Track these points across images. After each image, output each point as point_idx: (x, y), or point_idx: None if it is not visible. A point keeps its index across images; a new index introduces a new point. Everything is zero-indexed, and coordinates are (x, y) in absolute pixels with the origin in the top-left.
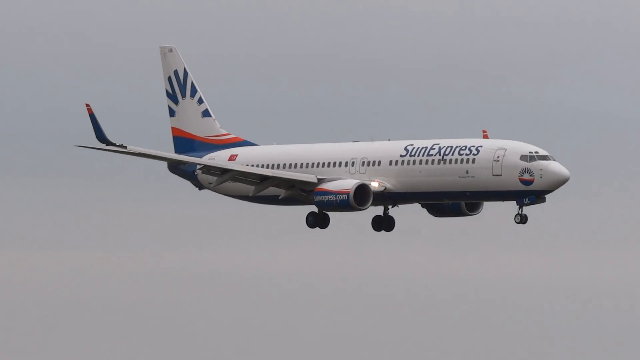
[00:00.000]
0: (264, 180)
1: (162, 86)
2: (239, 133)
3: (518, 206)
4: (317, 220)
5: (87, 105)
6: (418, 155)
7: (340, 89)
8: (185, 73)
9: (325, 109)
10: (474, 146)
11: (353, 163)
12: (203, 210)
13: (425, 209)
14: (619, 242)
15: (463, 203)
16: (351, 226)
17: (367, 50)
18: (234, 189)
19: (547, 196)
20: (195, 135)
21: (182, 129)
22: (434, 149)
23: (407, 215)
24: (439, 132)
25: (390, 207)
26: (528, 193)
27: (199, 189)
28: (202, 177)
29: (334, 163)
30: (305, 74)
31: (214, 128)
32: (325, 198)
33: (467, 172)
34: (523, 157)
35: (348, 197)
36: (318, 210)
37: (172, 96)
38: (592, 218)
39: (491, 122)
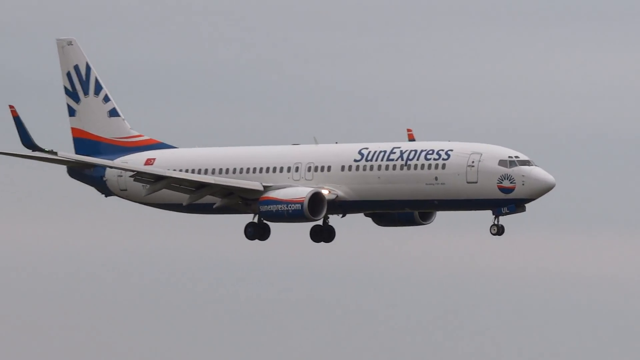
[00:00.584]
0: (200, 187)
1: (59, 82)
2: (154, 135)
3: (494, 216)
4: (257, 232)
5: (12, 107)
6: (376, 160)
7: (260, 87)
8: (88, 68)
9: (247, 108)
10: (442, 150)
11: (297, 168)
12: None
13: (369, 218)
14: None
15: (417, 212)
16: (292, 237)
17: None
18: (151, 197)
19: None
20: (101, 137)
21: (85, 129)
22: (395, 152)
23: (350, 225)
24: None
25: (332, 216)
26: (507, 202)
27: (106, 196)
28: (112, 182)
29: (274, 169)
30: (222, 73)
31: (124, 129)
32: (274, 208)
33: (437, 178)
34: (502, 163)
35: (302, 206)
36: (258, 221)
37: (71, 94)
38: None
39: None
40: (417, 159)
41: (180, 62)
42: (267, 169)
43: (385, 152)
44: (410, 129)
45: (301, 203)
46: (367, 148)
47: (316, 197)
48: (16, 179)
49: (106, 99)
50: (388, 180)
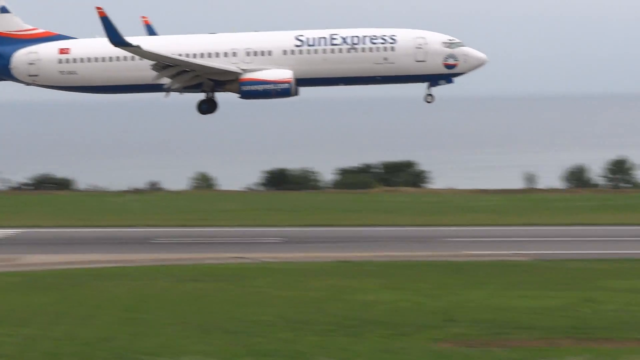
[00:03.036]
0: (180, 71)
1: None
2: (47, 28)
3: (430, 87)
4: (210, 107)
5: (99, 8)
6: (320, 45)
7: None
8: None
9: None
10: (386, 35)
11: (234, 53)
12: None
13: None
14: None
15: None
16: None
17: None
18: (66, 79)
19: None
20: None
21: None
22: (336, 38)
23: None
24: None
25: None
26: (449, 76)
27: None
28: (20, 70)
29: (215, 54)
30: None
31: (16, 23)
32: (260, 87)
33: (386, 59)
34: (445, 44)
35: (290, 85)
36: (207, 98)
37: None
38: None
39: None
40: (364, 44)
41: None
42: (209, 55)
43: (325, 38)
44: (145, 16)
45: (290, 83)
46: (302, 35)
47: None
48: None
49: None
50: (335, 61)
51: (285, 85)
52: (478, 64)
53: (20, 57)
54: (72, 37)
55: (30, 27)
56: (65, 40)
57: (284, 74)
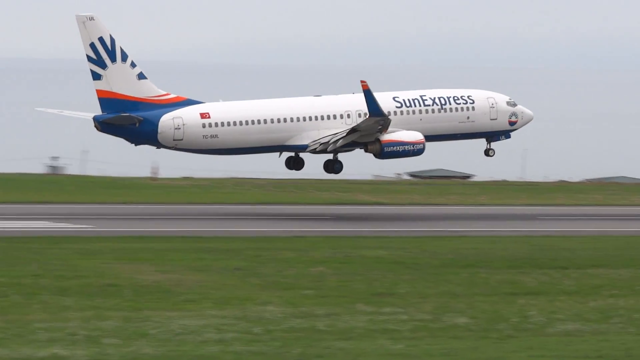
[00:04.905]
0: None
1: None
2: (178, 92)
3: (489, 142)
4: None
5: (363, 81)
6: (415, 106)
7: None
8: (112, 40)
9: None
10: (464, 96)
11: (349, 115)
12: None
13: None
14: None
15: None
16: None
17: None
18: (208, 142)
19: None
20: (133, 97)
21: (114, 90)
22: (427, 99)
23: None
24: None
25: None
26: (509, 132)
27: (135, 145)
28: (166, 135)
29: (330, 116)
30: None
31: (153, 89)
32: (400, 148)
33: (468, 118)
34: (508, 103)
35: (424, 145)
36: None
37: (96, 61)
38: None
39: None
40: (450, 104)
41: None
42: (322, 117)
43: (417, 99)
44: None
45: (423, 143)
46: (397, 97)
47: None
48: None
49: (132, 64)
50: (429, 120)
51: (421, 146)
52: (529, 120)
53: (167, 122)
54: (199, 101)
55: (164, 92)
56: (196, 105)
57: (418, 135)
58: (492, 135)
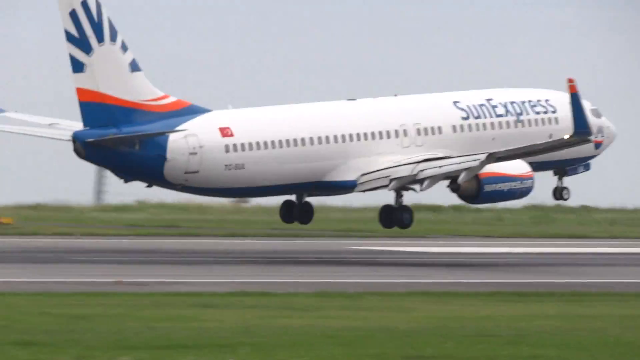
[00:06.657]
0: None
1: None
2: (179, 95)
3: (562, 177)
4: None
5: (571, 80)
6: (485, 117)
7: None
8: (99, 5)
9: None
10: (540, 100)
11: (405, 132)
12: None
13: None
14: None
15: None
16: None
17: None
18: (231, 179)
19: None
20: (122, 100)
21: (101, 90)
22: (497, 106)
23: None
24: None
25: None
26: (589, 159)
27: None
28: (177, 163)
29: (383, 133)
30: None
31: (148, 88)
32: (505, 187)
33: (551, 135)
34: (593, 113)
35: (533, 182)
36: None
37: (78, 41)
38: None
39: None
40: (528, 114)
41: None
42: (373, 135)
43: (485, 106)
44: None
45: (532, 178)
46: (458, 101)
47: None
48: None
49: (124, 47)
50: (504, 141)
51: (529, 182)
52: (613, 140)
53: (178, 142)
54: (206, 109)
55: (162, 94)
56: (206, 113)
57: (524, 167)
58: (569, 165)
